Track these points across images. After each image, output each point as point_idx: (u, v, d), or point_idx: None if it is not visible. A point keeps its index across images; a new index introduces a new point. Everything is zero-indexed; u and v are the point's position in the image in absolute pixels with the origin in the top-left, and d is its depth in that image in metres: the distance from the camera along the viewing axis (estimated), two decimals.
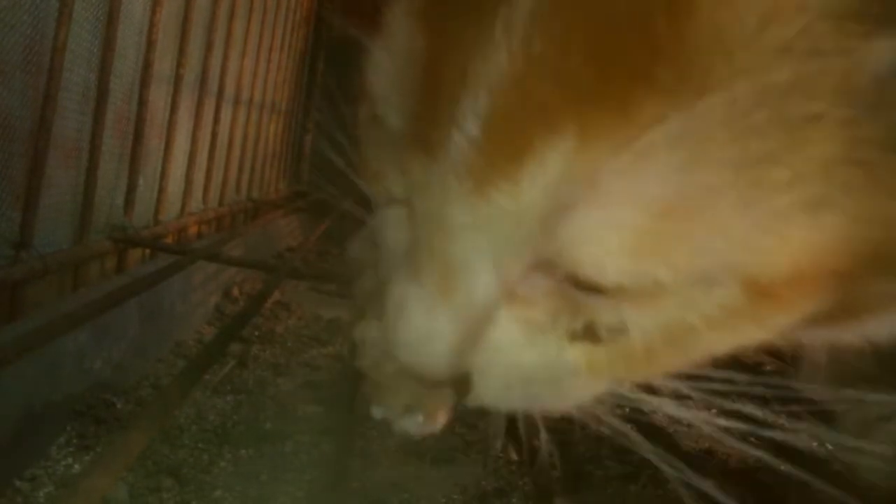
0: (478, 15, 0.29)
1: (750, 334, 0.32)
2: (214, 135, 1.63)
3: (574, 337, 0.33)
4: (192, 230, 1.54)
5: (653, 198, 0.27)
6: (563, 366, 0.34)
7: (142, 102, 1.18)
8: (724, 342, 0.33)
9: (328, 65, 2.74)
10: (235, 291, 1.59)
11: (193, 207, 1.53)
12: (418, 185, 0.32)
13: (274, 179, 2.43)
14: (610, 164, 0.27)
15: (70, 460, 0.79)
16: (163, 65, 1.27)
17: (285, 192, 2.53)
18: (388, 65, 0.33)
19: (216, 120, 1.63)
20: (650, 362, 0.33)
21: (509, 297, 0.32)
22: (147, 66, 1.18)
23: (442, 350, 0.33)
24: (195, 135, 1.50)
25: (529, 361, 0.34)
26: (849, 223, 0.29)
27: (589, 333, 0.32)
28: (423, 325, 0.34)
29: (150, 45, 1.17)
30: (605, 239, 0.28)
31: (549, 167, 0.28)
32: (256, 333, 1.34)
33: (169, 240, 1.38)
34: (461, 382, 0.35)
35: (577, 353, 0.33)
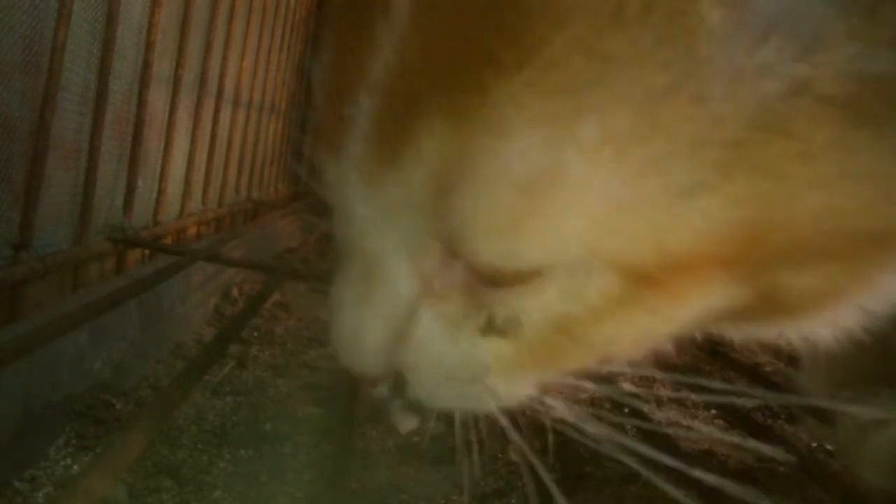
0: (367, 23, 0.31)
1: (649, 326, 0.32)
2: (214, 135, 1.63)
3: (484, 332, 0.34)
4: (192, 231, 1.54)
5: (518, 175, 0.28)
6: (477, 362, 0.35)
7: (141, 103, 1.18)
8: (623, 334, 0.33)
9: None
10: (235, 292, 1.59)
11: (193, 208, 1.53)
12: (333, 185, 0.34)
13: (273, 180, 2.43)
14: (476, 143, 0.28)
15: (69, 461, 0.79)
16: (162, 65, 1.27)
17: (285, 193, 2.53)
18: (318, 75, 0.35)
19: (215, 121, 1.63)
20: (552, 356, 0.33)
21: (428, 292, 0.34)
22: (146, 66, 1.17)
23: (371, 348, 0.35)
24: (194, 135, 1.50)
25: (450, 359, 0.35)
26: (726, 206, 0.28)
27: (493, 328, 0.33)
28: (352, 325, 0.35)
29: (150, 45, 1.17)
30: (479, 218, 0.29)
31: (426, 152, 0.29)
32: (256, 334, 1.34)
33: (168, 240, 1.38)
34: (396, 379, 0.37)
35: (486, 349, 0.34)
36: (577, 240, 0.29)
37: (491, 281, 0.32)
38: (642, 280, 0.30)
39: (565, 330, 0.32)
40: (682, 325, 0.33)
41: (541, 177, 0.28)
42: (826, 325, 0.36)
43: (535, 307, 0.32)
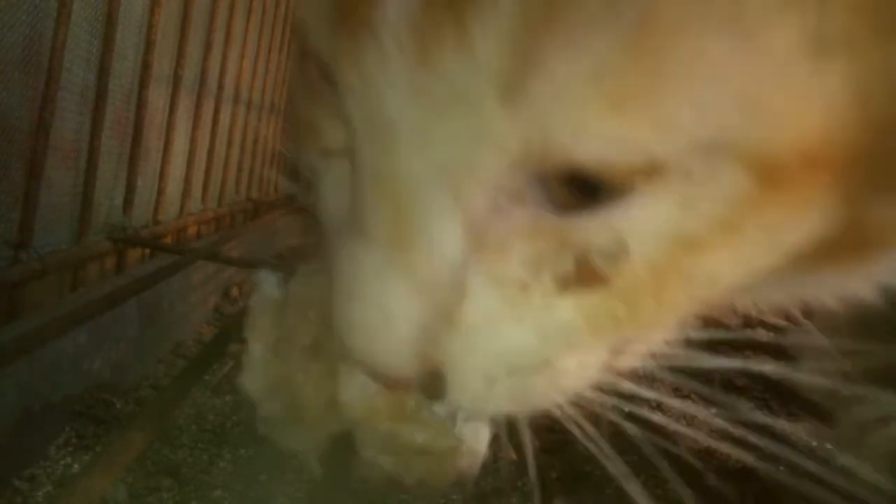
0: None
1: (758, 251, 0.26)
2: (213, 135, 1.63)
3: (565, 284, 0.25)
4: (192, 230, 1.54)
5: (628, 27, 0.21)
6: (557, 329, 0.26)
7: (141, 103, 1.17)
8: (731, 263, 0.26)
9: None
10: (235, 291, 1.59)
11: (192, 207, 1.53)
12: (347, 92, 0.25)
13: (273, 179, 2.43)
14: None
15: (69, 460, 0.79)
16: (162, 65, 1.26)
17: (284, 193, 2.53)
18: None
19: (215, 120, 1.63)
20: (656, 296, 0.26)
21: (479, 247, 0.25)
22: (146, 66, 1.17)
23: (403, 336, 0.25)
24: (194, 135, 1.50)
25: (516, 340, 0.26)
26: (852, 74, 0.23)
27: (582, 272, 0.25)
28: (374, 304, 0.25)
29: (150, 45, 1.17)
30: (582, 94, 0.22)
31: (501, 12, 0.21)
32: None
33: (168, 240, 1.38)
34: (431, 381, 0.27)
35: (570, 308, 0.26)
36: (708, 114, 0.22)
37: (579, 206, 0.24)
38: (771, 174, 0.24)
39: (677, 256, 0.25)
40: (784, 255, 0.27)
41: (658, 29, 0.21)
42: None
43: (644, 226, 0.24)
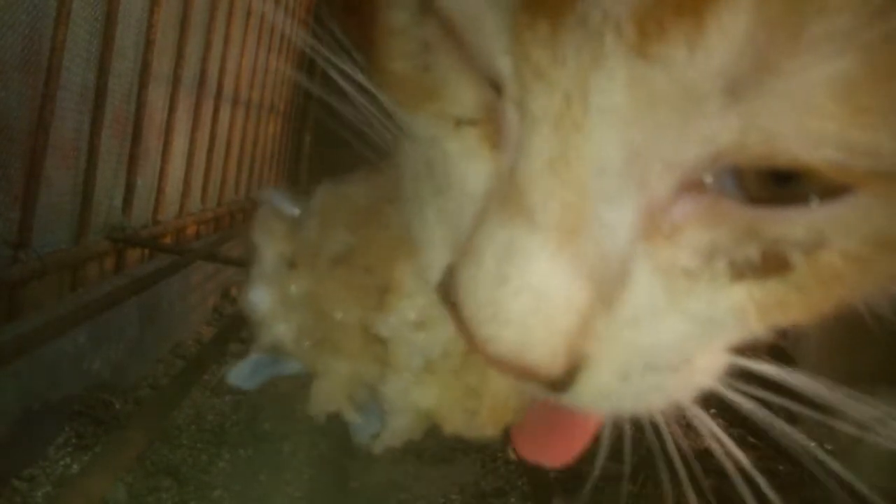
0: None
1: None
2: (213, 135, 1.63)
3: (741, 272, 0.24)
4: (191, 230, 1.54)
5: (879, 40, 0.20)
6: (718, 318, 0.25)
7: (140, 102, 1.17)
8: None
9: (326, 64, 2.74)
10: (234, 291, 1.59)
11: (192, 207, 1.53)
12: (529, 72, 0.23)
13: (273, 179, 2.43)
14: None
15: (68, 460, 0.79)
16: (161, 65, 1.26)
17: None
18: None
19: (215, 120, 1.63)
20: (829, 288, 0.25)
21: (649, 234, 0.24)
22: (146, 65, 1.17)
23: (564, 326, 0.23)
24: (193, 135, 1.50)
25: (671, 331, 0.25)
26: None
27: (767, 260, 0.24)
28: (538, 286, 0.23)
29: (149, 44, 1.17)
30: (821, 99, 0.20)
31: (741, 9, 0.20)
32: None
33: (167, 240, 1.38)
34: (569, 375, 0.25)
35: (740, 295, 0.25)
36: None
37: (773, 193, 0.23)
38: None
39: (869, 256, 0.24)
40: None
41: None
42: None
43: (851, 222, 0.23)
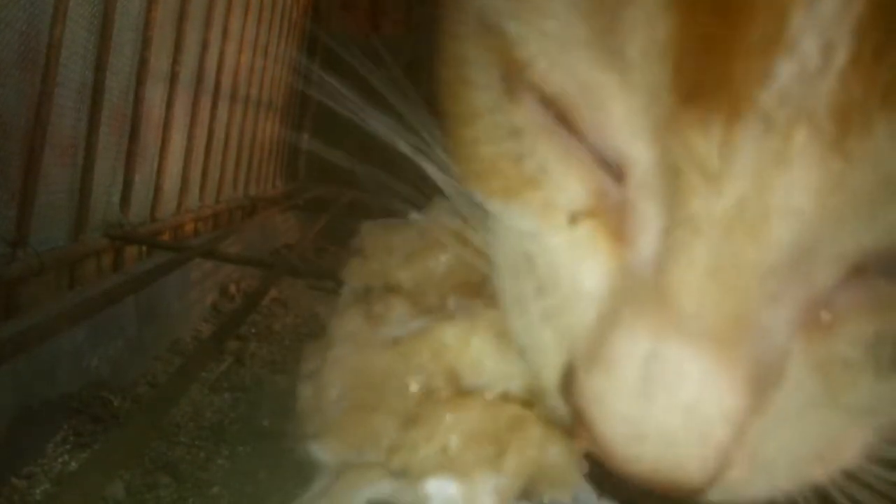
0: None
1: None
2: (211, 132, 1.63)
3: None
4: (189, 227, 1.54)
5: None
6: (883, 407, 0.23)
7: (138, 99, 1.17)
8: None
9: (325, 61, 2.73)
10: (232, 289, 1.59)
11: (190, 204, 1.53)
12: (690, 169, 0.20)
13: (271, 176, 2.43)
14: None
15: (67, 458, 0.79)
16: (159, 62, 1.26)
17: (282, 189, 2.53)
18: None
19: (213, 117, 1.63)
20: None
21: (808, 329, 0.22)
22: (143, 62, 1.17)
23: (721, 440, 0.21)
24: (191, 132, 1.50)
25: (820, 428, 0.23)
26: None
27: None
28: (693, 403, 0.21)
29: (147, 41, 1.17)
30: None
31: None
32: (253, 331, 1.34)
33: (166, 237, 1.38)
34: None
35: None
36: None
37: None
38: None
39: None
40: None
41: None
42: None
43: None
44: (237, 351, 1.21)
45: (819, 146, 0.19)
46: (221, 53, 1.63)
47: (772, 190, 0.20)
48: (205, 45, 1.51)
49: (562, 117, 0.23)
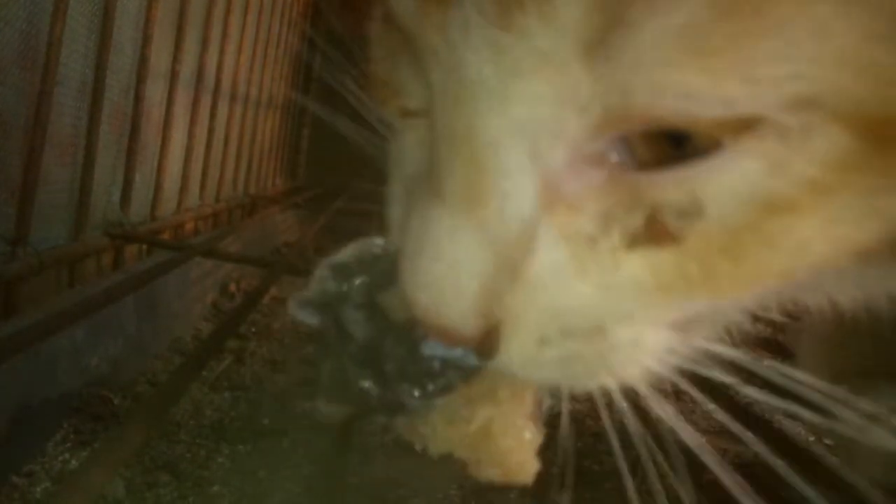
0: None
1: (853, 221, 0.24)
2: (211, 130, 1.63)
3: (634, 241, 0.25)
4: (189, 226, 1.54)
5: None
6: (622, 287, 0.26)
7: (138, 98, 1.17)
8: (821, 231, 0.24)
9: (325, 59, 2.73)
10: (232, 287, 1.59)
11: (190, 203, 1.53)
12: (428, 54, 0.25)
13: (271, 175, 2.43)
14: None
15: (67, 456, 0.79)
16: (159, 60, 1.26)
17: (282, 188, 2.52)
18: None
19: (212, 115, 1.63)
20: (734, 260, 0.25)
21: (552, 203, 0.25)
22: (143, 60, 1.17)
23: (471, 288, 0.25)
24: (191, 130, 1.50)
25: (578, 296, 0.26)
26: None
27: (653, 229, 0.25)
28: (446, 254, 0.25)
29: (147, 39, 1.17)
30: (668, 50, 0.21)
31: None
32: (253, 329, 1.34)
33: (166, 236, 1.38)
34: (487, 338, 0.27)
35: (638, 265, 0.25)
36: (805, 72, 0.22)
37: (656, 164, 0.24)
38: (876, 139, 0.23)
39: (761, 219, 0.24)
40: (876, 235, 0.25)
41: None
42: None
43: (725, 184, 0.24)
44: (237, 350, 1.21)
45: (485, 22, 0.23)
46: (221, 52, 1.63)
47: (462, 59, 0.23)
48: (205, 44, 1.51)
49: (408, 37, 0.27)
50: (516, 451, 0.33)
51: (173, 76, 1.34)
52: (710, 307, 0.28)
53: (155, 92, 1.27)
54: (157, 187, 1.33)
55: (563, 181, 0.25)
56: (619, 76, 0.22)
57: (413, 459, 0.92)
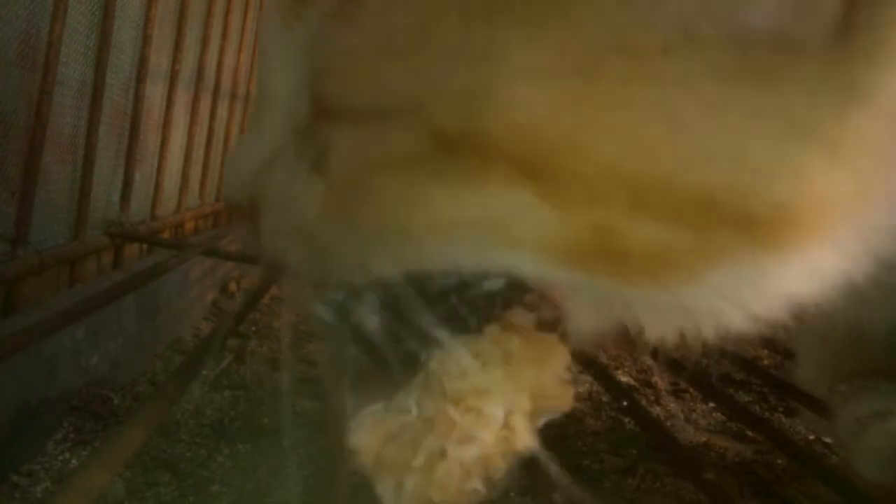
0: None
1: (440, 198, 0.30)
2: (211, 130, 1.63)
3: (311, 167, 0.34)
4: (189, 225, 1.54)
5: (382, 33, 0.30)
6: (301, 198, 0.35)
7: (138, 97, 1.17)
8: (424, 200, 0.31)
9: None
10: (233, 287, 1.59)
11: (190, 202, 1.53)
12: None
13: None
14: None
15: (67, 455, 0.79)
16: (159, 59, 1.26)
17: None
18: None
19: (212, 115, 1.63)
20: (353, 203, 0.33)
21: (296, 130, 0.35)
22: (143, 60, 1.17)
23: (241, 171, 0.37)
24: (191, 130, 1.50)
25: (288, 193, 0.35)
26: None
27: (317, 162, 0.34)
28: (238, 151, 0.39)
29: (147, 39, 1.17)
30: (327, 58, 0.32)
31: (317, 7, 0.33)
32: (254, 329, 1.34)
33: (166, 235, 1.38)
34: (251, 211, 0.38)
35: (309, 185, 0.34)
36: (397, 86, 0.30)
37: (325, 112, 0.33)
38: (443, 147, 0.29)
39: (363, 172, 0.32)
40: (473, 218, 0.31)
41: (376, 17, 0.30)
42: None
43: (345, 139, 0.32)
44: (237, 349, 1.21)
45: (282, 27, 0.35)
46: (221, 51, 1.63)
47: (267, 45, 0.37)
48: (205, 43, 1.51)
49: None
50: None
51: (173, 76, 1.34)
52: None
53: (155, 91, 1.27)
54: (158, 186, 1.33)
55: (297, 120, 0.35)
56: (318, 68, 0.33)
57: None
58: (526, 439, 0.34)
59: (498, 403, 0.33)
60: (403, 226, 0.31)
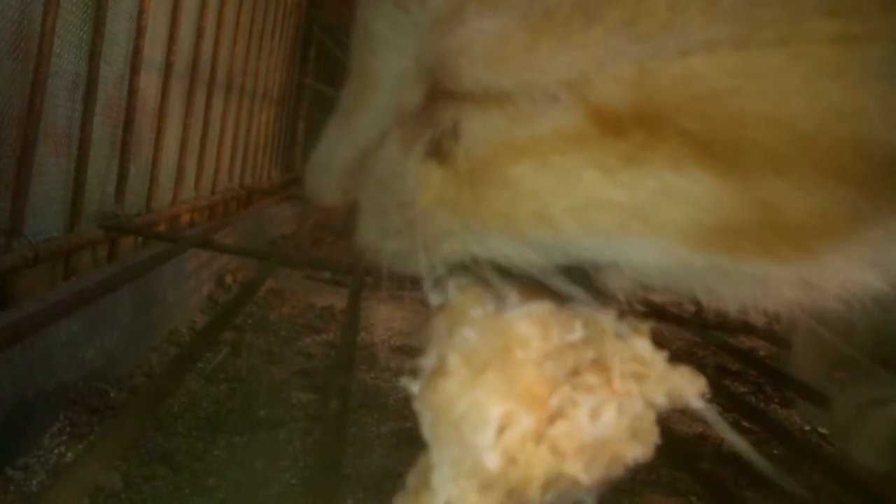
0: None
1: (591, 180, 0.29)
2: (206, 122, 1.62)
3: (427, 152, 0.32)
4: (185, 218, 1.53)
5: (533, 11, 0.28)
6: (414, 184, 0.33)
7: (132, 89, 1.17)
8: (563, 188, 0.29)
9: (320, 51, 2.73)
10: (228, 279, 1.59)
11: (185, 195, 1.52)
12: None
13: (266, 167, 2.42)
14: None
15: (63, 449, 0.79)
16: (153, 51, 1.26)
17: (278, 180, 2.52)
18: None
19: (208, 107, 1.62)
20: (480, 191, 0.31)
21: (399, 119, 0.33)
22: (137, 52, 1.17)
23: (335, 168, 0.35)
24: (186, 122, 1.49)
25: (396, 182, 0.34)
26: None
27: (435, 146, 0.32)
28: (326, 146, 0.36)
29: (141, 31, 1.16)
30: (461, 37, 0.29)
31: None
32: (250, 321, 1.34)
33: (161, 228, 1.37)
34: (349, 214, 0.36)
35: (423, 171, 0.32)
36: (559, 67, 0.28)
37: (450, 94, 0.31)
38: (606, 121, 0.28)
39: (502, 161, 0.30)
40: (630, 195, 0.29)
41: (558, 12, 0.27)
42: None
43: (479, 122, 0.30)
44: (233, 341, 1.21)
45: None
46: (216, 43, 1.62)
47: (370, 23, 0.33)
48: (199, 35, 1.50)
49: None
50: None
51: (168, 68, 1.33)
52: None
53: (149, 83, 1.27)
54: (153, 179, 1.32)
55: (407, 107, 0.33)
56: (443, 52, 0.30)
57: (410, 450, 0.92)
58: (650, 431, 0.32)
59: (657, 390, 0.31)
60: (540, 211, 0.30)
